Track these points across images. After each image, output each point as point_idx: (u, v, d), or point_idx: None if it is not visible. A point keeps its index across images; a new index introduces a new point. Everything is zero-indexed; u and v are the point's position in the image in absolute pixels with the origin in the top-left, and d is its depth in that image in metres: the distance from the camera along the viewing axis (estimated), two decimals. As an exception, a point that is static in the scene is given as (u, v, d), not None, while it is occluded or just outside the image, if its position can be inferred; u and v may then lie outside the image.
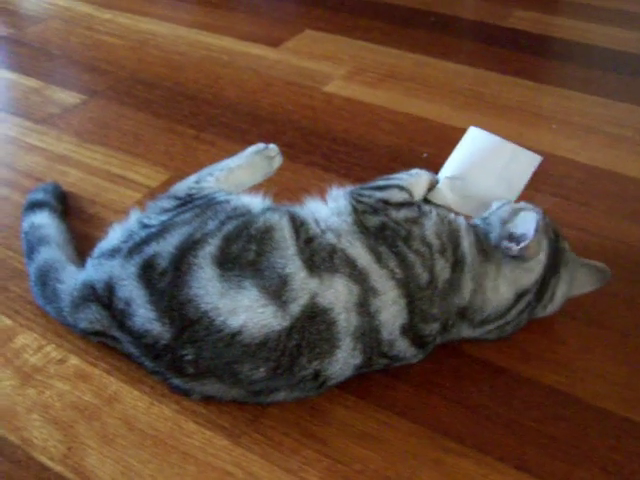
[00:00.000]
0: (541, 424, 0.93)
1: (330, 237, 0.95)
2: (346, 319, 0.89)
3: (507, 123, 1.60)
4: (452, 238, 0.98)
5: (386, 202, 1.01)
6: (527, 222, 0.97)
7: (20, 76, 1.77)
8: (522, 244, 0.95)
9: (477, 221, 1.05)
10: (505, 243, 0.98)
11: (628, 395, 0.98)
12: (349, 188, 1.04)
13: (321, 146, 1.50)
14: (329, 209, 1.01)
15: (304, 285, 0.88)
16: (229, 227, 0.94)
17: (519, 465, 0.88)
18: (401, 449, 0.90)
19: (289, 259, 0.90)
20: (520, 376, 1.00)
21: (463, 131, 1.15)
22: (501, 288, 0.98)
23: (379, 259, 0.93)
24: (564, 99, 1.72)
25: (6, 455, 0.88)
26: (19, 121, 1.58)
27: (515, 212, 1.01)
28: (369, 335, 0.90)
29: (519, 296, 0.99)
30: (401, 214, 1.00)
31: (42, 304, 1.06)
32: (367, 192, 1.03)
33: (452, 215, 1.02)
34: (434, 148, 1.48)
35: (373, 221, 0.98)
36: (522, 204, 1.05)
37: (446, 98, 1.71)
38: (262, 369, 0.87)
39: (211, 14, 2.16)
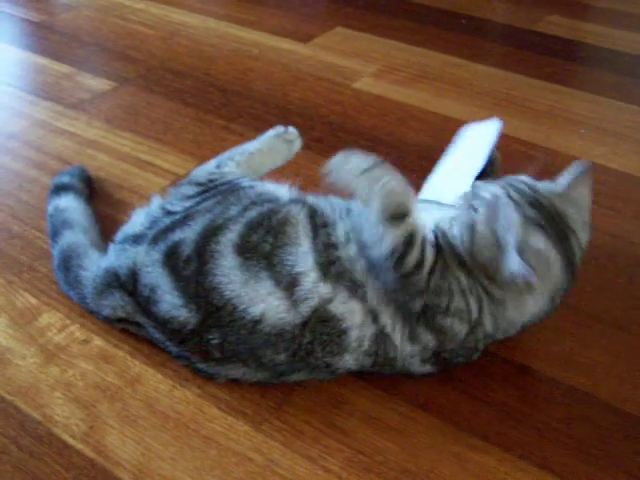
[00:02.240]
0: (565, 424, 0.92)
1: (353, 252, 0.90)
2: (358, 338, 0.89)
3: (536, 127, 1.59)
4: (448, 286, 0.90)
5: None
6: (510, 257, 0.83)
7: (52, 61, 1.78)
8: (527, 280, 0.83)
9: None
10: (511, 281, 0.85)
11: (654, 400, 0.97)
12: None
13: (349, 141, 1.49)
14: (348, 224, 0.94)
15: (314, 288, 0.88)
16: (252, 213, 0.93)
17: (541, 464, 0.87)
18: (423, 443, 0.89)
19: (299, 257, 0.89)
20: (545, 376, 0.99)
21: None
22: (527, 308, 0.90)
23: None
24: (594, 105, 1.70)
25: (28, 431, 0.89)
26: (50, 105, 1.59)
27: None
28: (382, 355, 0.91)
29: (553, 296, 0.89)
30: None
31: (65, 290, 1.06)
32: None
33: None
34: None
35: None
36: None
37: (475, 99, 1.70)
38: (282, 355, 0.88)
39: (242, 8, 2.17)
